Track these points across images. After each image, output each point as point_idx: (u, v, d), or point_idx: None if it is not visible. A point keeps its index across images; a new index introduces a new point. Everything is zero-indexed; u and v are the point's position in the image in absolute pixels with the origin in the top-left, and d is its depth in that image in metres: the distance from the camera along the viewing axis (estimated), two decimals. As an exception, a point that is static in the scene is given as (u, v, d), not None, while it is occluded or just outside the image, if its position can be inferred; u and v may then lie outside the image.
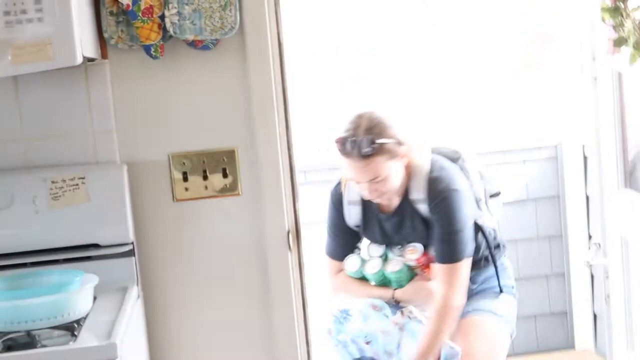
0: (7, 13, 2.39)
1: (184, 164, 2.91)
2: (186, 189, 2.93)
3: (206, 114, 2.94)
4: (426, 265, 3.01)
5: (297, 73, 4.44)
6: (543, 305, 4.58)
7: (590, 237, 4.10)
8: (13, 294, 2.53)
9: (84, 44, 2.54)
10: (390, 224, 3.01)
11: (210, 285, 3.04)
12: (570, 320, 4.39)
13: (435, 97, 5.19)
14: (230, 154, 2.92)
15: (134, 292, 2.78)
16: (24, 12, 2.42)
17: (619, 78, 2.95)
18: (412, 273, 3.03)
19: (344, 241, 3.14)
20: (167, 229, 2.99)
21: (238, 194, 2.96)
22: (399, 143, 2.85)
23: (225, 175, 2.95)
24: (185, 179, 2.93)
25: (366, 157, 2.81)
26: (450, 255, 2.91)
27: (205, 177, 2.93)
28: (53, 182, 2.76)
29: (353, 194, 3.07)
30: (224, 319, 3.06)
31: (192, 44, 2.79)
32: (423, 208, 2.93)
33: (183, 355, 3.05)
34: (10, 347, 2.35)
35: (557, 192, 4.49)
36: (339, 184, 3.12)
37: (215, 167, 2.94)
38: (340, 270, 3.15)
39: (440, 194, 2.85)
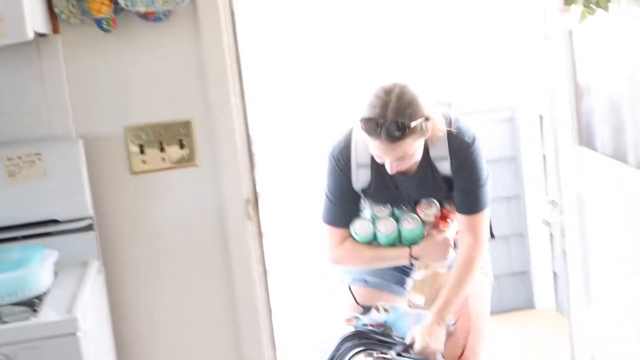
0: None
1: (140, 136, 2.94)
2: (143, 162, 2.96)
3: (161, 86, 2.97)
4: (443, 219, 2.95)
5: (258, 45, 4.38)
6: (504, 266, 4.60)
7: (547, 196, 4.19)
8: None
9: (35, 19, 2.53)
10: (408, 184, 2.93)
11: (172, 256, 3.07)
12: (530, 280, 4.45)
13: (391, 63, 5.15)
14: (187, 125, 2.95)
15: (95, 266, 2.80)
16: None
17: (570, 36, 3.00)
18: (424, 229, 2.96)
19: (348, 206, 2.99)
20: (126, 202, 3.04)
21: (196, 165, 2.99)
22: (427, 119, 2.75)
23: (182, 147, 2.95)
24: (142, 151, 2.95)
25: (396, 140, 2.70)
26: (477, 205, 2.90)
27: (162, 149, 2.96)
28: (8, 158, 2.76)
29: (362, 157, 2.93)
30: (186, 289, 3.12)
31: (145, 16, 2.81)
32: (443, 165, 2.87)
33: (146, 327, 3.08)
34: None
35: (514, 154, 4.54)
36: (342, 146, 2.95)
37: (172, 139, 2.97)
38: (345, 238, 2.99)
39: (466, 148, 2.83)
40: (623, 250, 2.76)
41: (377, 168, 2.88)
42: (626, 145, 2.62)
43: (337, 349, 2.84)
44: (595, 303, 2.93)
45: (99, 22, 2.80)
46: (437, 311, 2.81)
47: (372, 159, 2.87)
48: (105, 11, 2.79)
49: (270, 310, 3.18)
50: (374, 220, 2.94)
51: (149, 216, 3.09)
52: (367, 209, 2.96)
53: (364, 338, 2.80)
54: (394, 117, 2.65)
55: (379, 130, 2.65)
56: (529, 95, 4.46)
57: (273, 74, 4.94)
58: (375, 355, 2.74)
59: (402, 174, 2.85)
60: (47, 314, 2.40)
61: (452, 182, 2.90)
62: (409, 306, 2.95)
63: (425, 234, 2.91)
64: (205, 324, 3.23)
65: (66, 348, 2.37)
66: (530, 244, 4.38)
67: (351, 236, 2.94)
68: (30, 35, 2.48)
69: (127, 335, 3.17)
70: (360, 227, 2.92)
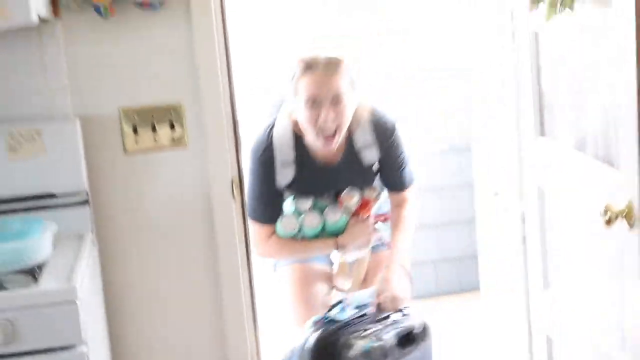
0: None
1: (134, 118, 2.98)
2: (136, 142, 3.00)
3: (154, 71, 3.02)
4: (363, 207, 3.09)
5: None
6: (456, 250, 4.90)
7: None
8: None
9: (37, 4, 2.59)
10: (332, 175, 3.06)
11: (160, 231, 3.16)
12: (477, 265, 4.50)
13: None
14: (177, 109, 3.00)
15: (89, 238, 2.88)
16: None
17: (536, 37, 3.09)
18: (347, 219, 3.07)
19: (273, 204, 3.12)
20: (119, 180, 3.09)
21: (185, 146, 3.04)
22: (353, 83, 2.91)
23: (172, 129, 3.01)
24: (135, 132, 2.99)
25: (332, 71, 2.84)
26: (405, 182, 3.11)
27: (154, 130, 3.00)
28: (10, 135, 2.85)
29: (285, 155, 3.05)
30: (173, 262, 3.18)
31: (140, 5, 2.86)
32: (368, 153, 3.00)
33: (135, 296, 3.17)
34: None
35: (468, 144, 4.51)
36: (265, 146, 3.08)
37: (163, 121, 3.02)
38: (272, 233, 3.11)
39: (391, 133, 2.98)
40: (579, 238, 2.94)
41: (301, 162, 3.02)
42: (586, 136, 2.74)
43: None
44: (552, 287, 3.07)
45: (97, 9, 2.83)
46: (388, 269, 2.97)
47: (296, 155, 3.01)
48: None
49: (251, 282, 3.26)
50: (298, 214, 3.07)
51: (140, 193, 3.10)
52: (290, 202, 3.10)
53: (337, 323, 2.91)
54: (328, 56, 2.86)
55: (318, 64, 2.84)
56: (482, 83, 4.49)
57: (260, 62, 4.86)
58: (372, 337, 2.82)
59: (327, 163, 3.01)
60: (48, 282, 2.48)
61: (378, 170, 3.10)
62: (337, 290, 3.16)
63: (348, 223, 3.06)
64: (190, 296, 3.26)
65: (65, 314, 2.45)
66: (477, 229, 4.43)
67: (276, 232, 3.06)
68: (35, 19, 2.54)
69: (117, 305, 3.20)
70: (286, 223, 3.04)
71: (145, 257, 3.18)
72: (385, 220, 3.21)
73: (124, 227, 3.14)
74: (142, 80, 3.04)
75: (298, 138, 2.99)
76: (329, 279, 3.21)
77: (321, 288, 3.19)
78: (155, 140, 3.06)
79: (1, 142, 2.86)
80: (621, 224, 2.38)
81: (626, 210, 2.37)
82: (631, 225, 2.36)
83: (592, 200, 2.65)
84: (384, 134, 2.97)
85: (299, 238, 3.09)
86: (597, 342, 2.79)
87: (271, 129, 3.05)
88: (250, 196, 3.08)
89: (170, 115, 3.03)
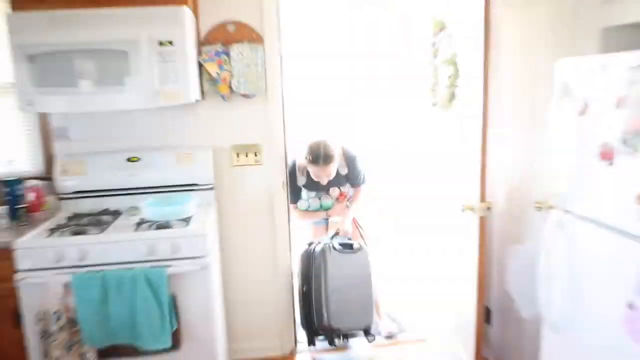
0: (161, 77, 3.36)
1: (237, 149, 4.17)
2: (238, 161, 4.17)
3: (247, 126, 4.15)
4: (341, 196, 4.52)
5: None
6: None
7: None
8: (161, 204, 3.72)
9: (194, 93, 3.62)
10: (326, 185, 4.46)
11: (247, 206, 4.24)
12: None
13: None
14: (258, 146, 4.20)
15: (214, 207, 4.01)
16: (168, 77, 3.47)
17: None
18: (333, 202, 4.48)
19: (296, 193, 4.46)
20: (228, 179, 4.19)
21: (261, 165, 4.21)
22: (334, 154, 4.30)
23: (255, 155, 4.19)
24: (237, 156, 4.18)
25: (326, 163, 4.24)
26: (360, 182, 4.62)
27: (247, 155, 4.19)
28: (178, 154, 4.00)
29: (301, 169, 4.38)
30: (253, 219, 4.27)
31: (243, 96, 4.07)
32: (342, 170, 4.40)
33: (234, 235, 4.26)
34: (158, 227, 3.49)
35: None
36: (292, 165, 4.28)
37: (251, 151, 4.19)
38: (295, 208, 4.50)
39: (353, 160, 4.44)
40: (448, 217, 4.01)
41: (309, 176, 4.29)
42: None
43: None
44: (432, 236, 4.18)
45: (222, 96, 4.05)
46: (344, 219, 4.45)
47: (307, 174, 4.30)
48: (226, 91, 4.02)
49: (289, 231, 4.35)
50: (308, 199, 4.52)
51: (237, 186, 4.18)
52: (305, 193, 4.60)
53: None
54: (325, 153, 4.25)
55: (319, 160, 4.24)
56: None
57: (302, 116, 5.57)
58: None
59: (324, 184, 4.46)
60: (194, 225, 3.52)
61: (347, 177, 4.41)
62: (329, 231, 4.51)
63: (333, 204, 4.44)
64: (261, 235, 4.31)
65: (200, 244, 3.42)
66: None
67: (297, 208, 4.41)
68: (193, 100, 3.58)
69: (225, 237, 4.24)
70: (302, 204, 4.44)
71: (239, 217, 4.27)
72: (349, 199, 4.67)
73: (229, 202, 4.23)
74: (242, 131, 4.13)
75: (307, 171, 4.38)
76: (326, 229, 4.71)
77: (322, 231, 4.70)
78: (247, 160, 4.18)
79: (173, 157, 3.96)
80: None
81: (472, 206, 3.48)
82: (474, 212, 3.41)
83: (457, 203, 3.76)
84: (351, 160, 4.48)
85: (310, 210, 4.60)
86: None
87: (295, 161, 4.40)
88: (289, 190, 4.17)
89: (255, 148, 4.16)
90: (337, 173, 4.44)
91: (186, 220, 3.63)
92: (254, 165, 4.22)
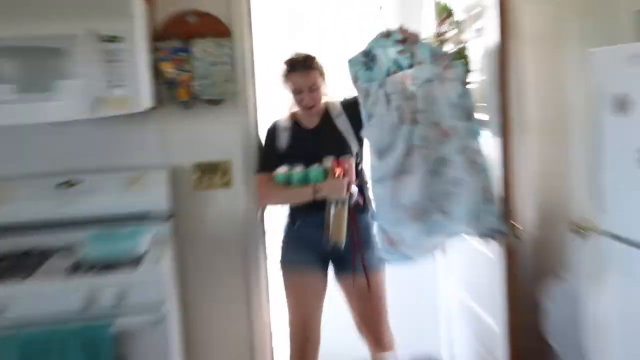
0: (106, 81, 3.15)
1: (200, 168, 3.73)
2: (201, 183, 3.75)
3: (214, 140, 3.73)
4: (338, 166, 3.41)
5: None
6: None
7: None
8: (105, 240, 3.34)
9: (146, 100, 3.31)
10: (315, 138, 3.45)
11: (213, 240, 3.81)
12: None
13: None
14: (228, 164, 3.74)
15: (169, 241, 3.60)
16: (114, 81, 3.18)
17: None
18: (325, 175, 3.38)
19: (273, 158, 3.48)
20: (189, 206, 3.79)
21: (231, 187, 3.78)
22: (323, 74, 3.44)
23: (224, 176, 3.77)
24: (200, 177, 3.75)
25: (307, 69, 3.35)
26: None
27: (212, 177, 3.75)
28: (127, 176, 3.60)
29: (283, 123, 3.50)
30: (217, 257, 3.84)
31: (208, 101, 3.66)
32: (340, 120, 3.45)
33: (193, 275, 3.79)
34: (101, 269, 3.13)
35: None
36: (273, 124, 3.53)
37: (218, 170, 3.75)
38: (269, 180, 3.45)
39: (355, 103, 3.34)
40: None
41: (293, 129, 3.42)
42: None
43: None
44: (450, 279, 3.75)
45: (181, 103, 3.64)
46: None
47: (290, 123, 3.44)
48: (186, 97, 3.62)
49: (265, 256, 3.90)
50: (291, 166, 3.42)
51: (200, 214, 3.78)
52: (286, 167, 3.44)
53: None
54: (303, 57, 3.38)
55: (296, 64, 3.34)
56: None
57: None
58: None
59: (310, 128, 3.45)
60: (146, 265, 3.22)
61: (348, 136, 3.42)
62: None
63: (326, 179, 3.33)
64: (226, 281, 3.88)
65: (155, 292, 3.14)
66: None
67: (274, 179, 3.37)
68: (143, 108, 3.25)
69: (186, 289, 3.85)
70: (281, 169, 3.40)
71: (200, 252, 3.82)
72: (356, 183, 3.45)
73: (189, 234, 3.80)
74: (207, 146, 3.74)
75: (292, 119, 3.48)
76: (320, 235, 3.38)
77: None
78: (212, 182, 3.77)
79: (120, 180, 3.59)
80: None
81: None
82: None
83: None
84: (349, 106, 3.47)
85: (292, 183, 3.42)
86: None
87: (276, 122, 3.55)
88: (259, 156, 3.52)
89: (223, 167, 3.74)
90: (332, 122, 3.50)
91: (136, 261, 3.24)
92: (222, 189, 3.80)
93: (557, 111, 3.33)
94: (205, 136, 3.77)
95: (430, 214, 3.06)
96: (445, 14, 3.80)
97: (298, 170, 3.37)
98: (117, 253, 3.27)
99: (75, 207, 3.61)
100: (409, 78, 3.11)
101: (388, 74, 3.10)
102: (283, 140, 3.47)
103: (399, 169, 3.11)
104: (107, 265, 3.23)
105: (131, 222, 3.60)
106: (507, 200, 3.27)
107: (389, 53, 3.13)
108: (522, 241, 3.51)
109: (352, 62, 3.17)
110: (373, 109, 3.13)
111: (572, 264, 3.22)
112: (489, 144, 3.31)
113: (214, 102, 3.72)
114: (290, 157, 3.44)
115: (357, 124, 3.33)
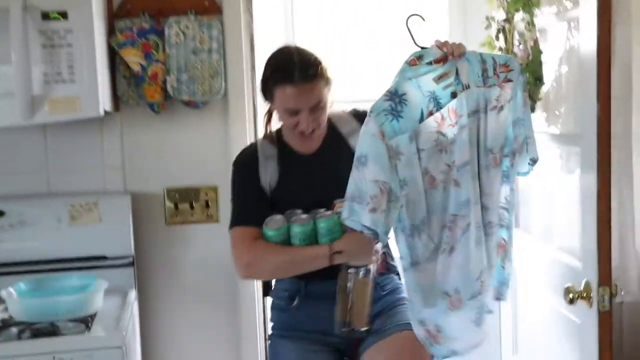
0: (45, 74, 2.87)
1: (175, 196, 3.36)
2: (176, 215, 3.38)
3: (194, 158, 3.38)
4: None
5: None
6: None
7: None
8: (40, 293, 2.93)
9: (102, 101, 2.97)
10: (317, 166, 2.78)
11: (191, 291, 3.46)
12: None
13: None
14: (213, 190, 3.37)
15: (133, 295, 3.20)
16: (59, 74, 2.90)
17: None
18: (340, 225, 2.59)
19: (258, 202, 2.75)
20: (160, 246, 3.42)
21: (217, 221, 3.38)
22: (329, 82, 2.68)
23: (207, 207, 3.38)
24: (176, 207, 3.39)
25: (310, 80, 2.61)
26: None
27: (192, 207, 3.38)
28: (72, 205, 3.22)
29: (268, 150, 2.80)
30: (200, 316, 3.45)
31: (187, 103, 3.26)
32: (354, 139, 2.58)
33: (168, 345, 3.48)
34: (35, 334, 2.76)
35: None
36: (247, 150, 2.86)
37: (200, 199, 3.37)
38: (257, 238, 2.64)
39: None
40: (544, 313, 3.27)
41: (283, 156, 2.72)
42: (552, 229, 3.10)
43: None
44: (520, 353, 3.43)
45: (151, 105, 3.25)
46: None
47: (278, 150, 2.72)
48: (157, 97, 3.22)
49: (264, 318, 3.44)
50: (287, 215, 2.66)
51: (176, 258, 3.44)
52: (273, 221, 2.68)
53: None
54: (302, 59, 2.61)
55: (293, 71, 2.58)
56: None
57: None
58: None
59: (313, 154, 2.75)
60: (99, 330, 2.79)
61: None
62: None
63: (343, 233, 2.60)
64: (211, 345, 3.51)
65: (110, 357, 2.70)
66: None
67: (263, 237, 2.61)
68: (101, 112, 2.94)
69: (151, 350, 3.49)
70: (272, 221, 2.59)
71: (177, 311, 3.47)
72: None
73: (161, 286, 3.45)
74: (185, 165, 3.38)
75: (279, 137, 2.79)
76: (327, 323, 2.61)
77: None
78: (192, 215, 3.40)
79: (64, 212, 3.21)
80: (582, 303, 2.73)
81: (585, 292, 2.70)
82: (590, 305, 2.69)
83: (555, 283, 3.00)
84: (362, 115, 2.54)
85: (293, 242, 2.65)
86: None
87: (255, 142, 2.88)
88: (234, 203, 2.78)
89: (206, 195, 3.37)
90: (344, 141, 2.76)
91: (85, 322, 2.83)
92: (204, 223, 3.42)
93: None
94: (182, 152, 3.42)
95: (475, 297, 2.56)
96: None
97: (300, 220, 2.60)
98: (61, 310, 2.85)
99: (3, 247, 3.27)
100: (452, 114, 2.50)
101: (422, 118, 2.47)
102: (269, 174, 2.74)
103: (434, 248, 2.52)
104: (44, 329, 2.81)
105: (78, 269, 3.24)
106: (601, 252, 2.77)
107: (423, 85, 2.50)
108: (621, 305, 3.04)
109: (375, 111, 2.37)
110: (406, 172, 2.50)
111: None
112: (574, 170, 2.92)
113: (196, 104, 3.32)
114: (281, 200, 2.70)
115: None
